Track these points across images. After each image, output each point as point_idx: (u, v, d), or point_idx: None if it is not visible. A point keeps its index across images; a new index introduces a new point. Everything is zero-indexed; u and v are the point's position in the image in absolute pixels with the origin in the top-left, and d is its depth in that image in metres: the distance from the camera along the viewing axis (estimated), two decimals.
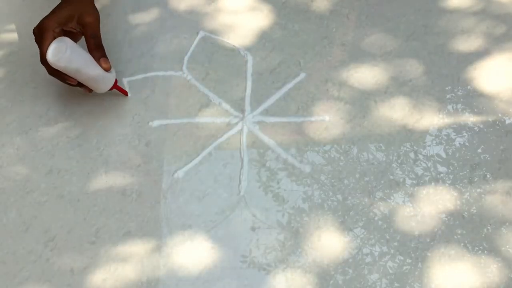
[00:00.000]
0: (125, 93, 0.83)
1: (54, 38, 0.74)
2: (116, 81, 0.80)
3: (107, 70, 0.76)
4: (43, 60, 0.74)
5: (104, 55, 0.77)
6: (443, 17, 0.92)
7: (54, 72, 0.75)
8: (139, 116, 0.82)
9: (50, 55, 0.72)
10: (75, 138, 0.80)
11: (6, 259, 0.69)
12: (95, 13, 0.78)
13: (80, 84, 0.77)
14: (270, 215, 0.71)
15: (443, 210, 0.70)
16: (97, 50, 0.76)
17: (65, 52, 0.72)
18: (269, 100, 0.83)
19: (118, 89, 0.82)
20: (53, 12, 0.76)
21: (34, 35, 0.76)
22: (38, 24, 0.75)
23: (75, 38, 0.78)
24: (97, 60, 0.76)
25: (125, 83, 0.86)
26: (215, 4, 0.97)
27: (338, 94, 0.83)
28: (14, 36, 0.95)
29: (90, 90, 0.79)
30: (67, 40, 0.74)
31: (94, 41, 0.77)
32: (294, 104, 0.82)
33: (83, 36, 0.78)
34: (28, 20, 0.97)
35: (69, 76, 0.75)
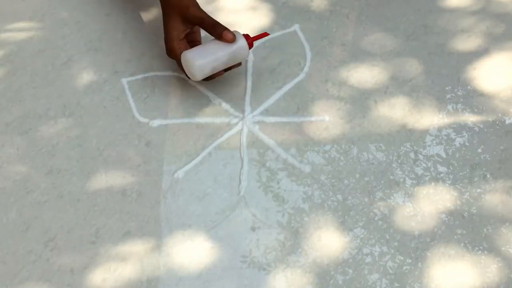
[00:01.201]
0: (264, 34, 0.81)
1: (186, 48, 0.77)
2: (248, 38, 0.78)
3: (231, 41, 0.76)
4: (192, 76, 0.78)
5: (223, 29, 0.76)
6: (443, 17, 0.92)
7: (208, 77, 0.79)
8: (139, 116, 0.82)
9: (191, 75, 0.77)
10: (75, 138, 0.80)
11: (6, 259, 0.69)
12: (196, 4, 0.78)
13: (227, 69, 0.80)
14: (270, 215, 0.71)
15: (443, 210, 0.70)
16: (214, 29, 0.76)
17: (192, 67, 0.75)
18: (269, 100, 0.83)
19: (256, 38, 0.80)
20: (165, 33, 0.79)
21: (171, 57, 0.80)
22: (166, 50, 0.80)
23: (197, 35, 0.82)
24: (219, 37, 0.76)
25: (125, 83, 0.86)
26: (215, 3, 0.97)
27: (338, 94, 0.83)
28: (14, 36, 0.95)
29: (239, 64, 0.81)
30: (186, 55, 0.76)
31: (206, 23, 0.77)
32: (294, 104, 0.82)
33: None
34: (28, 19, 0.97)
35: (217, 73, 0.78)
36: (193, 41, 0.82)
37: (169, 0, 0.78)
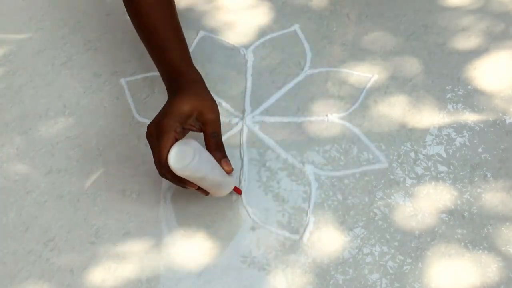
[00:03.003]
0: (239, 192, 0.73)
1: (176, 139, 0.64)
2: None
3: (229, 172, 0.68)
4: (160, 164, 0.64)
5: (225, 155, 0.68)
6: (443, 17, 0.92)
7: (171, 176, 0.65)
8: (139, 116, 0.82)
9: (173, 161, 0.62)
10: (75, 138, 0.80)
11: (6, 259, 0.69)
12: (216, 108, 0.69)
13: (199, 188, 0.67)
14: (270, 215, 0.70)
15: (444, 210, 0.70)
16: (218, 150, 0.68)
17: (192, 159, 0.62)
18: (269, 100, 0.83)
19: (234, 189, 0.72)
20: (171, 108, 0.67)
21: (149, 135, 0.66)
22: (155, 122, 0.66)
23: (184, 136, 0.68)
24: (218, 160, 0.67)
25: (124, 83, 0.86)
26: (214, 2, 0.97)
27: (338, 94, 0.83)
28: (14, 36, 0.95)
29: (207, 193, 0.69)
30: (193, 144, 0.64)
31: (215, 140, 0.68)
32: (294, 104, 0.82)
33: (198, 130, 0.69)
34: (28, 19, 0.97)
35: (189, 182, 0.65)
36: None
37: (191, 89, 0.69)
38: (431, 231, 0.68)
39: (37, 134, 0.81)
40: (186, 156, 0.62)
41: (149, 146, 0.67)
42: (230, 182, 0.69)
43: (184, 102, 0.67)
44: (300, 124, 0.80)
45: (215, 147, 0.68)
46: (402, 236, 0.68)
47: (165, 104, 0.68)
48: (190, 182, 0.65)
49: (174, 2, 0.77)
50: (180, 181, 0.65)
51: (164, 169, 0.64)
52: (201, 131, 0.69)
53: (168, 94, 0.71)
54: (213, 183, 0.66)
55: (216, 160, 0.66)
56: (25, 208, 0.73)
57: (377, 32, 0.91)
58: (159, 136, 0.64)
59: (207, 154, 0.65)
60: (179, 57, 0.73)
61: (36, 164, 0.78)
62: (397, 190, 0.72)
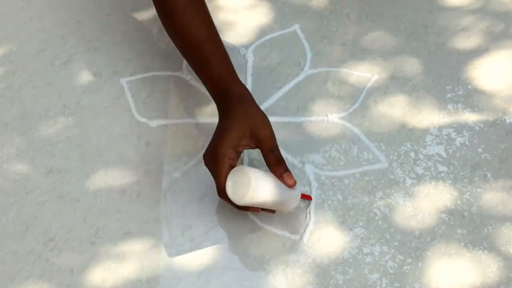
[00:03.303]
0: (309, 198, 0.71)
1: (230, 165, 0.64)
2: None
3: (291, 186, 0.65)
4: (221, 193, 0.65)
5: (286, 169, 0.66)
6: (443, 17, 0.92)
7: (233, 205, 0.65)
8: (139, 116, 0.82)
9: (231, 193, 0.63)
10: (75, 138, 0.80)
11: (6, 259, 0.69)
12: (267, 122, 0.67)
13: (264, 209, 0.67)
14: (270, 215, 0.70)
15: (444, 210, 0.70)
16: (278, 166, 0.65)
17: (249, 188, 0.61)
18: (269, 100, 0.83)
19: (303, 197, 0.70)
20: (221, 134, 0.66)
21: (206, 164, 0.67)
22: (209, 150, 0.66)
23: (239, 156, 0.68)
24: (279, 176, 0.65)
25: (124, 83, 0.86)
26: (215, 2, 0.97)
27: (338, 93, 0.83)
28: (14, 36, 0.95)
29: (273, 211, 0.69)
30: (247, 171, 0.62)
31: (273, 155, 0.66)
32: (294, 104, 0.82)
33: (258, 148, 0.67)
34: (28, 19, 0.97)
35: (252, 207, 0.65)
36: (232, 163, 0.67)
37: (240, 108, 0.67)
38: (431, 231, 0.68)
39: (37, 134, 0.81)
40: (243, 186, 0.62)
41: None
42: (295, 196, 0.67)
43: (234, 126, 0.66)
44: (300, 124, 0.80)
45: (275, 162, 0.66)
46: (402, 236, 0.68)
47: (216, 128, 0.68)
48: (252, 207, 0.65)
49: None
50: (243, 209, 0.66)
51: (225, 197, 0.65)
52: (257, 148, 0.67)
53: (218, 111, 0.70)
54: (275, 204, 0.65)
55: (277, 176, 0.65)
56: (25, 208, 0.73)
57: (377, 32, 0.91)
58: (214, 164, 0.65)
59: (265, 178, 0.64)
60: (224, 72, 0.71)
61: (36, 164, 0.78)
62: (397, 190, 0.72)
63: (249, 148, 0.67)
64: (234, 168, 0.64)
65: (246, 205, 0.64)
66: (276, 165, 0.65)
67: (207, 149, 0.66)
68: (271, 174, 0.65)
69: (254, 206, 0.65)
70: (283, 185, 0.65)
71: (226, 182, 0.63)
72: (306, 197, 0.70)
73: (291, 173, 0.66)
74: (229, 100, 0.68)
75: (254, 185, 0.61)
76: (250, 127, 0.66)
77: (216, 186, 0.65)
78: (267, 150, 0.66)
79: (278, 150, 0.67)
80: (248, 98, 0.69)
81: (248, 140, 0.66)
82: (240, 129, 0.65)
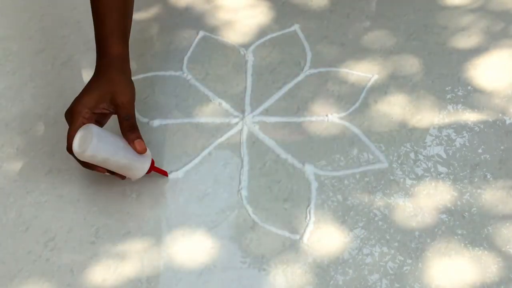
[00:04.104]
0: (164, 173, 0.74)
1: (83, 124, 0.67)
2: (153, 163, 0.71)
3: (141, 153, 0.68)
4: (69, 148, 0.67)
5: (138, 136, 0.68)
6: (443, 16, 0.92)
7: (79, 162, 0.68)
8: (139, 116, 0.82)
9: (76, 145, 0.65)
10: None
11: (6, 259, 0.69)
12: (130, 91, 0.70)
13: (112, 172, 0.69)
14: (270, 215, 0.70)
15: (444, 210, 0.70)
16: (131, 132, 0.68)
17: (90, 142, 0.64)
18: (269, 100, 0.83)
19: (156, 171, 0.73)
20: (82, 94, 0.69)
21: (66, 119, 0.70)
22: (69, 108, 0.69)
23: (106, 119, 0.72)
24: (131, 142, 0.68)
25: None
26: (214, 1, 0.97)
27: (338, 93, 0.83)
28: (14, 36, 0.95)
29: (123, 177, 0.71)
30: (92, 128, 0.66)
31: (127, 122, 0.68)
32: (294, 104, 0.82)
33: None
34: (28, 19, 0.97)
35: (96, 166, 0.67)
36: (97, 121, 0.70)
37: (106, 74, 0.70)
38: (431, 231, 0.68)
39: (37, 134, 0.81)
40: (86, 141, 0.65)
41: None
42: (143, 161, 0.69)
43: (95, 88, 0.69)
44: (300, 124, 0.80)
45: (128, 128, 0.68)
46: (402, 236, 0.68)
47: (91, 81, 0.71)
48: (97, 166, 0.67)
49: None
50: (86, 166, 0.68)
51: (71, 153, 0.67)
52: (115, 114, 0.70)
53: (99, 66, 0.73)
54: (119, 165, 0.67)
55: (129, 142, 0.68)
56: (25, 208, 0.73)
57: (377, 31, 0.91)
58: (69, 121, 0.68)
59: (110, 136, 0.67)
60: (109, 33, 0.72)
61: (36, 164, 0.78)
62: (397, 191, 0.72)
63: (107, 112, 0.70)
64: (84, 125, 0.67)
65: (88, 161, 0.66)
66: (129, 131, 0.68)
67: (69, 106, 0.69)
68: (123, 139, 0.68)
69: (98, 164, 0.67)
70: (133, 151, 0.68)
71: (74, 138, 0.66)
72: (161, 172, 0.73)
73: (143, 141, 0.68)
74: (101, 63, 0.72)
75: (95, 141, 0.64)
76: (110, 93, 0.69)
77: (67, 142, 0.68)
78: (123, 117, 0.69)
79: (133, 118, 0.69)
80: (119, 64, 0.72)
81: (107, 104, 0.69)
82: (100, 93, 0.68)
